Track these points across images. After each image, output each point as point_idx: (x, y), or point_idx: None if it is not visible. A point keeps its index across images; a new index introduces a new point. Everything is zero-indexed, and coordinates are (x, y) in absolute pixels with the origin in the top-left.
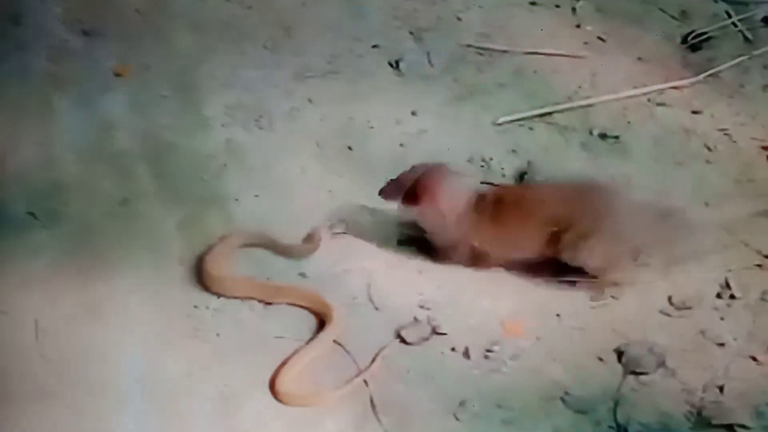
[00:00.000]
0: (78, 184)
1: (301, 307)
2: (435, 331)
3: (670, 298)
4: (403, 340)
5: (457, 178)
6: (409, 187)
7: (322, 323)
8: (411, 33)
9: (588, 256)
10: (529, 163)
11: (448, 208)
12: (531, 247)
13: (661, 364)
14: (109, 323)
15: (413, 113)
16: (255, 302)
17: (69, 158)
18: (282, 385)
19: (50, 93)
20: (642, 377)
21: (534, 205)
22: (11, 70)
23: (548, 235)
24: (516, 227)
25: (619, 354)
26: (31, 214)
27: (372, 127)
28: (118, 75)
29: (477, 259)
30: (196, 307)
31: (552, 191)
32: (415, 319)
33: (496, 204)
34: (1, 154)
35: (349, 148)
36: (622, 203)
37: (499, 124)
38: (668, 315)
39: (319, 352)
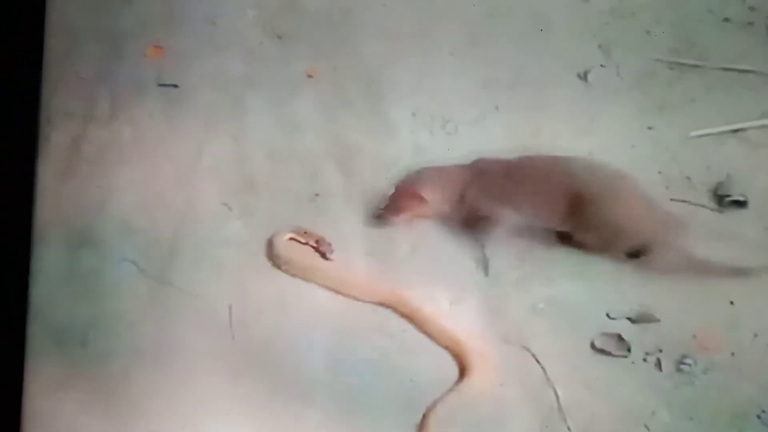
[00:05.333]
0: (269, 179)
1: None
2: (624, 341)
3: None
4: (594, 349)
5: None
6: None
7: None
8: (599, 46)
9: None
10: (727, 175)
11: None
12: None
13: None
14: (297, 314)
15: (596, 124)
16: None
17: (260, 155)
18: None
19: (243, 93)
20: None
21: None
22: (207, 68)
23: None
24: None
25: None
26: (225, 204)
27: (559, 137)
28: (309, 76)
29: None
30: None
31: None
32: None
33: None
34: (198, 148)
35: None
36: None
37: (692, 138)
38: None
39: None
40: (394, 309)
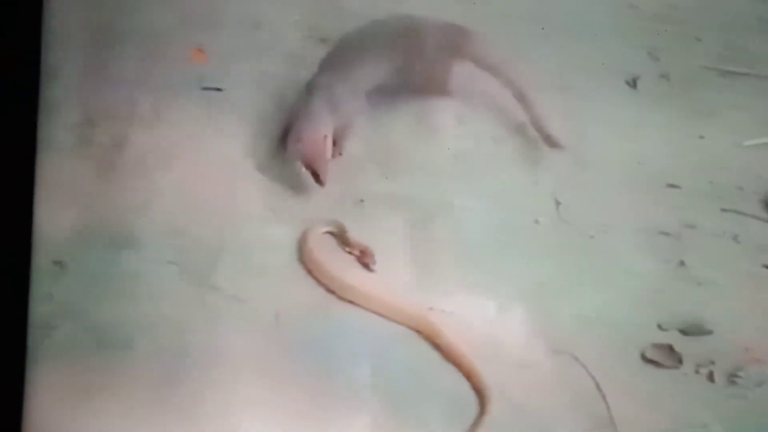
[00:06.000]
0: (312, 183)
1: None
2: (676, 352)
3: None
4: (645, 360)
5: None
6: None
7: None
8: (648, 52)
9: None
10: None
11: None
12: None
13: None
14: (341, 320)
15: (644, 131)
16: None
17: None
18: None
19: (286, 95)
20: None
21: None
22: (250, 71)
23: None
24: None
25: None
26: (270, 210)
27: (604, 143)
28: None
29: None
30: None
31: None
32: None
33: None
34: (241, 151)
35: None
36: None
37: (743, 147)
38: None
39: None
40: (420, 332)
